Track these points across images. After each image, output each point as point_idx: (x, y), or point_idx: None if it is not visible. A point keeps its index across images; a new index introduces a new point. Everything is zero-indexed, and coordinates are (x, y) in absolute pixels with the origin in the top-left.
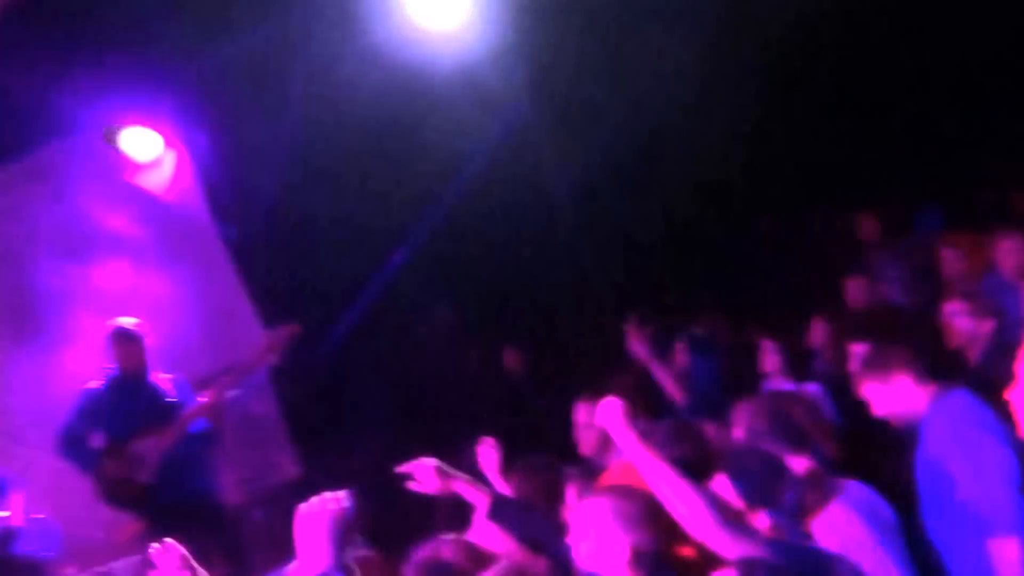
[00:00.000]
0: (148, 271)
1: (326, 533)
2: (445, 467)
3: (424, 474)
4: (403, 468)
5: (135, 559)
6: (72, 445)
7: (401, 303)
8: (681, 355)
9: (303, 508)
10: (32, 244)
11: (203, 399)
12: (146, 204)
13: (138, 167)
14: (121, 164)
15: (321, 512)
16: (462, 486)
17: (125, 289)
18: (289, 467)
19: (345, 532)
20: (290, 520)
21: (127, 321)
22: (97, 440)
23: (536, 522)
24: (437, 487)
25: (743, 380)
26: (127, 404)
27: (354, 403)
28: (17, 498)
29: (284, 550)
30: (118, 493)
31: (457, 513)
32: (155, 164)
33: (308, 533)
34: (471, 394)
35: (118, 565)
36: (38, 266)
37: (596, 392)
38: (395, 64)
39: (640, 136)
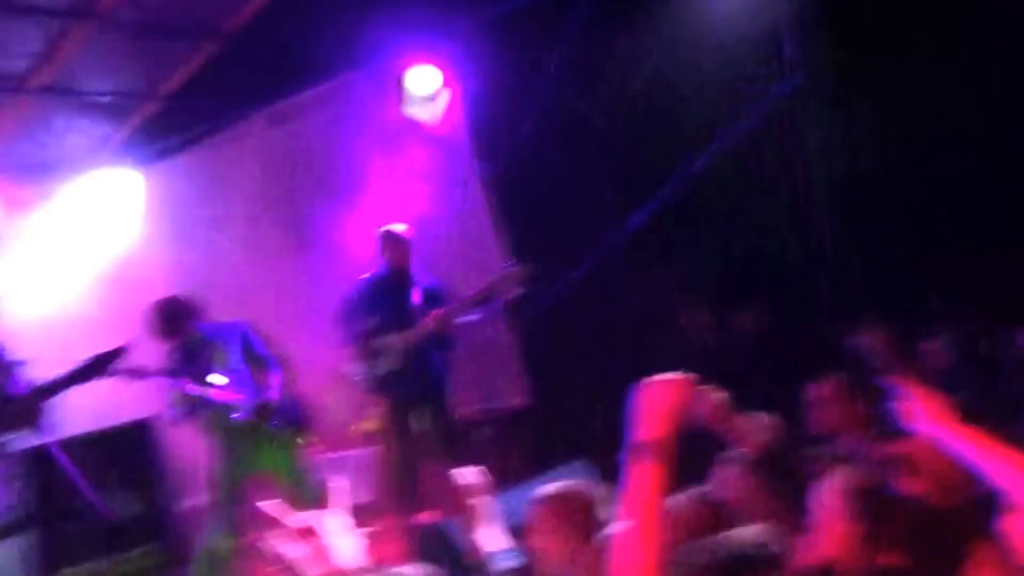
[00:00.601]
0: (411, 195)
1: (665, 408)
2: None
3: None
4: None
5: (367, 451)
6: (342, 321)
7: (641, 257)
8: (937, 357)
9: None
10: (313, 163)
11: (447, 310)
12: (418, 135)
13: (416, 101)
14: (401, 97)
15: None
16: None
17: (390, 209)
18: (518, 396)
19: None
20: (512, 445)
21: (397, 226)
22: (357, 326)
23: None
24: (715, 420)
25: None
26: (386, 299)
27: (585, 346)
28: (277, 376)
29: (503, 472)
30: (361, 378)
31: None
32: (431, 99)
33: (651, 405)
34: (700, 355)
35: (353, 453)
36: (314, 183)
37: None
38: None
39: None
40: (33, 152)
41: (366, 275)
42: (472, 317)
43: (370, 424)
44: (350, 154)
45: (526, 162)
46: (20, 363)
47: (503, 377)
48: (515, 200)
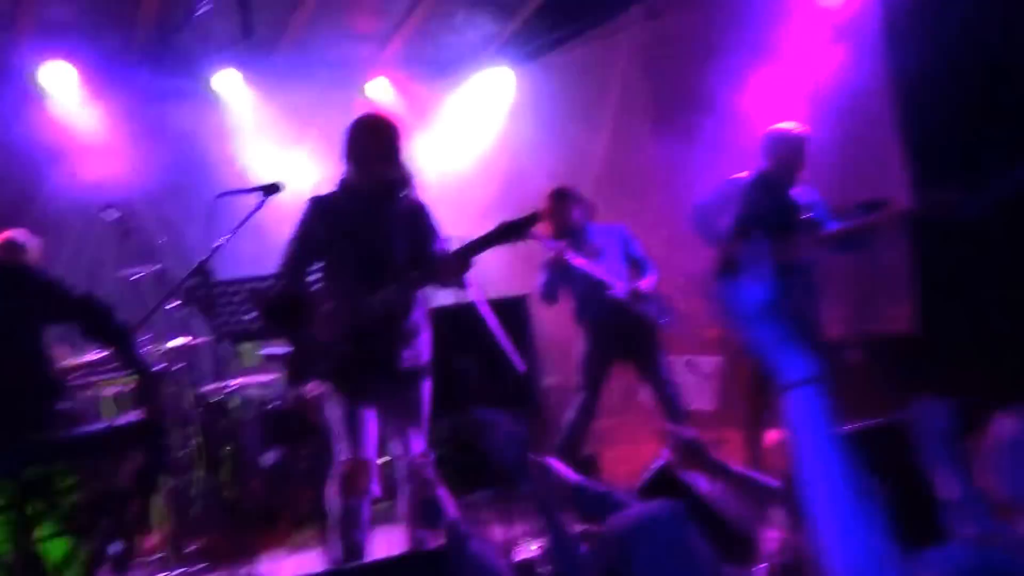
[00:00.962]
0: (799, 94)
1: None
2: None
3: None
4: None
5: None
6: (701, 217)
7: None
8: None
9: None
10: (690, 57)
11: (830, 228)
12: (816, 24)
13: None
14: None
15: None
16: None
17: (773, 110)
18: (900, 321)
19: None
20: (882, 373)
21: (788, 125)
22: (723, 223)
23: None
24: None
25: None
26: (762, 203)
27: (995, 279)
28: (653, 278)
29: (865, 401)
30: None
31: None
32: None
33: None
34: None
35: (707, 359)
36: (690, 80)
37: None
38: None
39: None
40: (432, 49)
41: (742, 175)
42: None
43: (722, 334)
44: (733, 48)
45: (950, 54)
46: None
47: (885, 298)
48: (927, 103)
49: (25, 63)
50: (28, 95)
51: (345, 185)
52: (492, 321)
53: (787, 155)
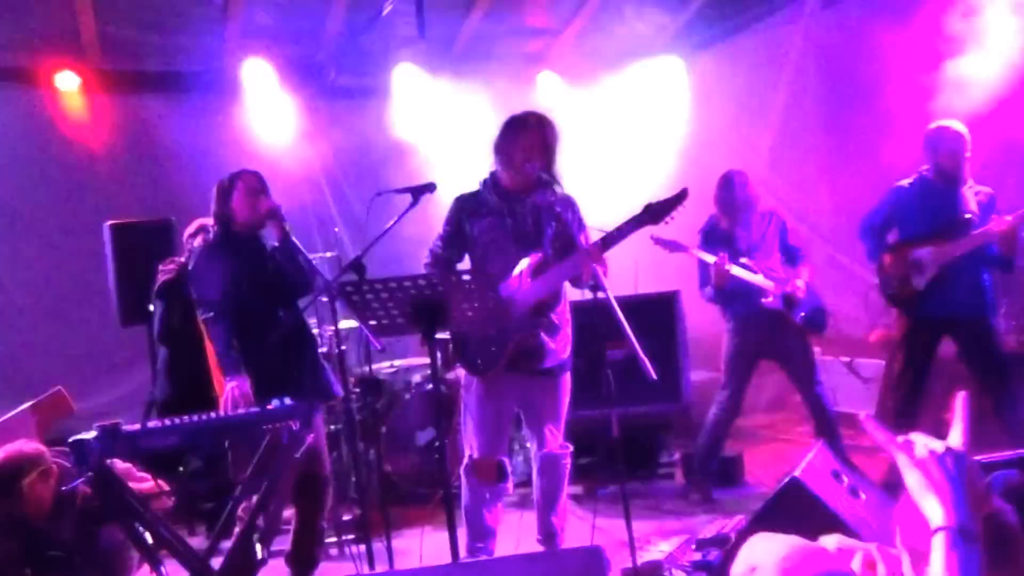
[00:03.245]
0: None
1: None
2: None
3: None
4: None
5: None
6: (868, 231)
7: None
8: None
9: None
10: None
11: (999, 224)
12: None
13: None
14: None
15: None
16: None
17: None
18: None
19: None
20: None
21: (950, 123)
22: (892, 235)
23: None
24: None
25: None
26: (929, 206)
27: None
28: (806, 270)
29: None
30: (890, 290)
31: None
32: None
33: None
34: None
35: (866, 362)
36: (869, 71)
37: None
38: None
39: None
40: (602, 41)
41: (908, 180)
42: None
43: (887, 336)
44: (913, 39)
45: None
46: (585, 227)
47: None
48: None
49: (229, 61)
50: (235, 92)
51: (494, 180)
52: (621, 320)
53: (948, 154)
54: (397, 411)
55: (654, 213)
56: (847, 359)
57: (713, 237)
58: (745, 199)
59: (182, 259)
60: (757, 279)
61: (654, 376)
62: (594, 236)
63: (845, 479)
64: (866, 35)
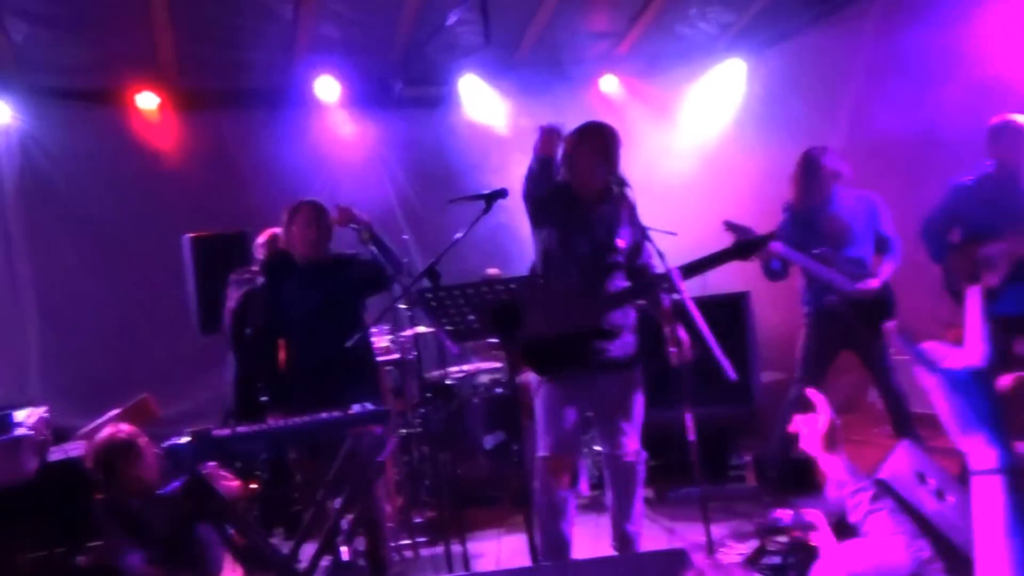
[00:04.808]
0: None
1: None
2: None
3: None
4: None
5: None
6: (931, 233)
7: None
8: None
9: None
10: (937, 52)
11: None
12: None
13: None
14: None
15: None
16: None
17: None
18: None
19: None
20: None
21: (1014, 116)
22: (956, 234)
23: None
24: None
25: None
26: (994, 202)
27: None
28: (893, 261)
29: None
30: (959, 290)
31: None
32: None
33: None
34: None
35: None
36: (930, 76)
37: None
38: None
39: None
40: (663, 46)
41: (969, 177)
42: None
43: (958, 336)
44: (986, 26)
45: None
46: (648, 234)
47: None
48: None
49: (300, 76)
50: (306, 106)
51: (563, 187)
52: (702, 323)
53: (1011, 147)
54: (465, 415)
55: (741, 250)
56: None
57: (796, 219)
58: (831, 174)
59: (255, 268)
60: (823, 273)
61: (735, 376)
62: (658, 237)
63: (930, 480)
64: (939, 28)
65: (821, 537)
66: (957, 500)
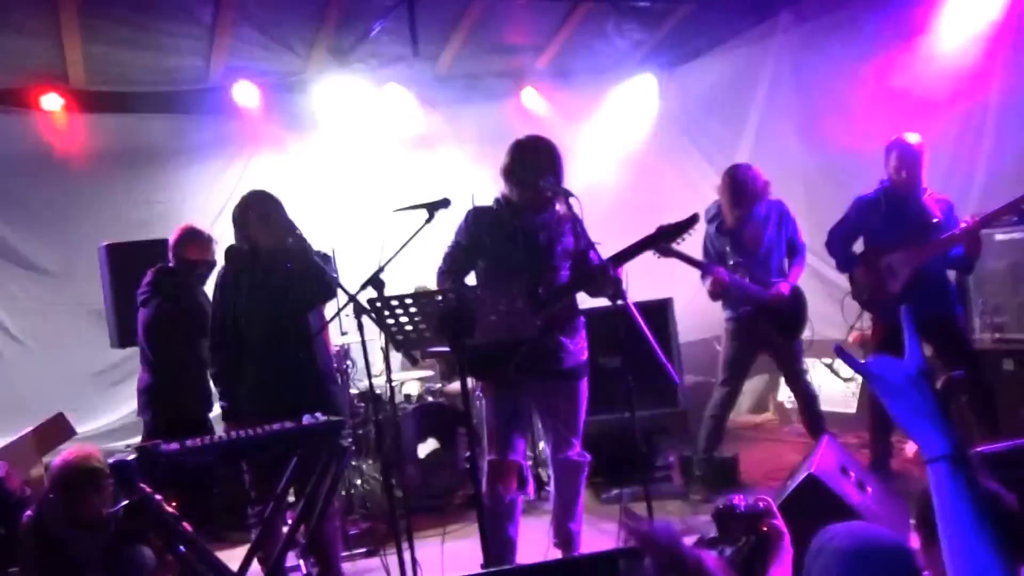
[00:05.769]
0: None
1: None
2: None
3: None
4: None
5: None
6: (836, 243)
7: None
8: None
9: None
10: (847, 63)
11: (963, 226)
12: (978, 23)
13: None
14: None
15: None
16: None
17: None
18: None
19: None
20: None
21: (909, 135)
22: (859, 245)
23: None
24: None
25: None
26: (892, 215)
27: None
28: (800, 267)
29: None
30: (865, 296)
31: None
32: None
33: None
34: None
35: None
36: (844, 88)
37: None
38: None
39: None
40: (581, 60)
41: (870, 191)
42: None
43: (863, 338)
44: (886, 51)
45: None
46: (593, 243)
47: None
48: None
49: (219, 81)
50: (224, 111)
51: (506, 199)
52: (645, 328)
53: (909, 164)
54: (402, 424)
55: (666, 235)
56: (828, 361)
57: (720, 230)
58: (753, 193)
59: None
60: (744, 287)
61: (679, 379)
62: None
63: (852, 473)
64: (837, 51)
65: (775, 524)
66: (875, 490)
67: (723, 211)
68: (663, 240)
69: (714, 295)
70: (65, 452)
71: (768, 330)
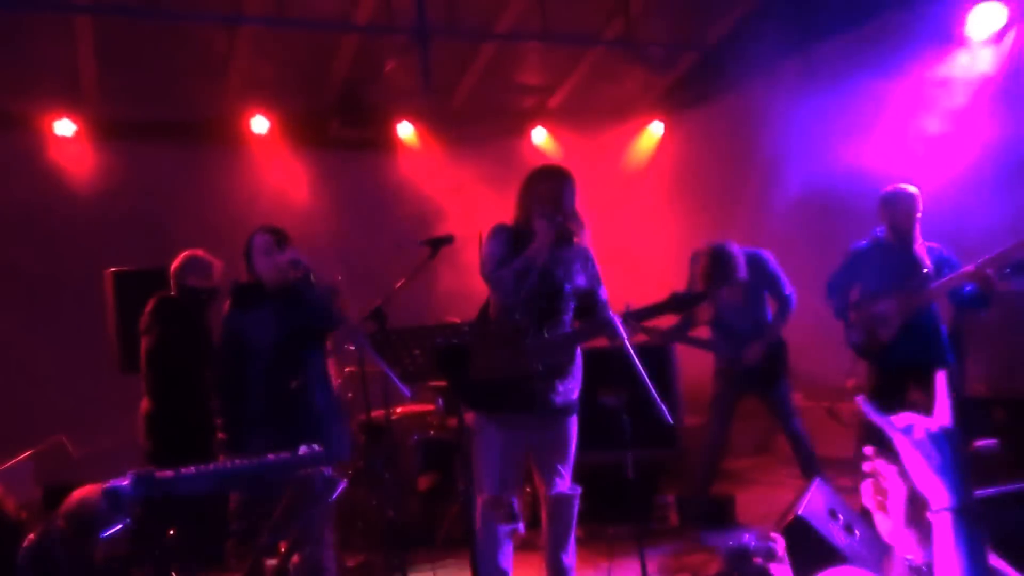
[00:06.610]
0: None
1: None
2: None
3: None
4: None
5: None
6: (833, 292)
7: None
8: None
9: None
10: (845, 115)
11: (960, 275)
12: (973, 80)
13: (975, 45)
14: (959, 41)
15: None
16: None
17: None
18: None
19: None
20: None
21: (904, 186)
22: (854, 293)
23: None
24: None
25: None
26: (886, 264)
27: None
28: (787, 314)
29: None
30: (858, 343)
31: None
32: (992, 41)
33: None
34: None
35: (846, 407)
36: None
37: None
38: None
39: None
40: (591, 102)
41: (864, 240)
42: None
43: (858, 384)
44: (886, 103)
45: None
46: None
47: None
48: None
49: (233, 112)
50: (236, 141)
51: (519, 229)
52: (641, 369)
53: (904, 214)
54: (399, 457)
55: (678, 303)
56: (827, 404)
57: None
58: (730, 275)
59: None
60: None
61: (671, 420)
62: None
63: (840, 516)
64: (843, 100)
65: (783, 569)
66: (862, 534)
67: (697, 276)
68: (676, 308)
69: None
70: (90, 488)
71: (751, 379)
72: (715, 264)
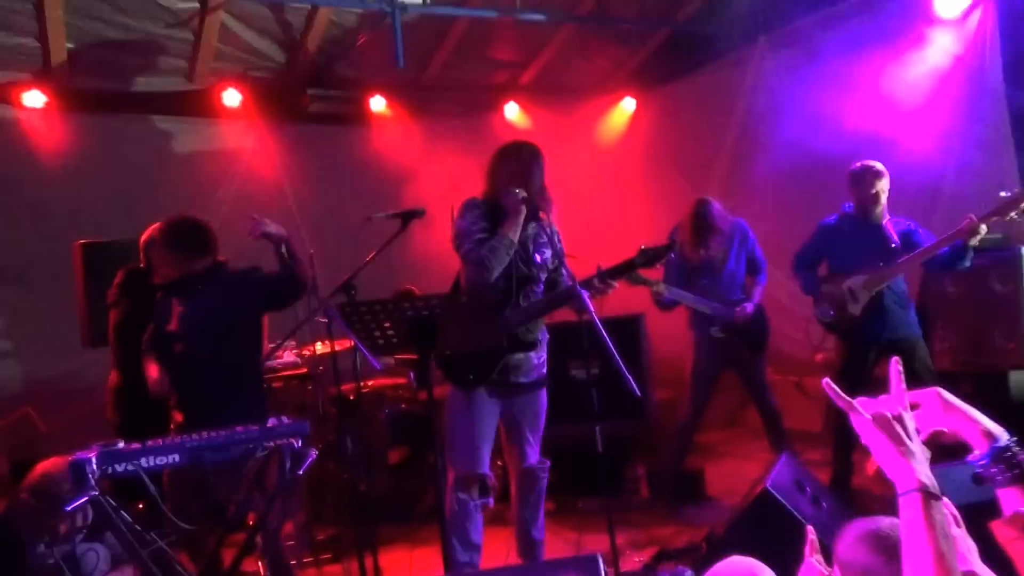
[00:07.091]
0: (920, 126)
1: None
2: None
3: None
4: None
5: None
6: (801, 267)
7: None
8: None
9: None
10: (812, 90)
11: (923, 249)
12: (941, 62)
13: (942, 23)
14: (928, 19)
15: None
16: None
17: (890, 140)
18: (1012, 356)
19: None
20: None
21: (872, 163)
22: (823, 268)
23: None
24: None
25: None
26: (854, 240)
27: None
28: (763, 284)
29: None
30: (827, 319)
31: None
32: (959, 21)
33: None
34: None
35: (812, 381)
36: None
37: None
38: None
39: None
40: (564, 76)
41: (832, 216)
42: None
43: (826, 359)
44: (856, 80)
45: None
46: (565, 257)
47: (999, 331)
48: None
49: (204, 84)
50: (208, 114)
51: (490, 205)
52: (608, 342)
53: (868, 190)
54: (370, 431)
55: (647, 257)
56: (795, 379)
57: (683, 254)
58: (716, 228)
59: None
60: (703, 307)
61: (639, 393)
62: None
63: (807, 489)
64: (814, 76)
65: None
66: (829, 506)
67: (685, 243)
68: (645, 262)
69: (661, 305)
70: (54, 461)
71: (734, 347)
72: (698, 216)
